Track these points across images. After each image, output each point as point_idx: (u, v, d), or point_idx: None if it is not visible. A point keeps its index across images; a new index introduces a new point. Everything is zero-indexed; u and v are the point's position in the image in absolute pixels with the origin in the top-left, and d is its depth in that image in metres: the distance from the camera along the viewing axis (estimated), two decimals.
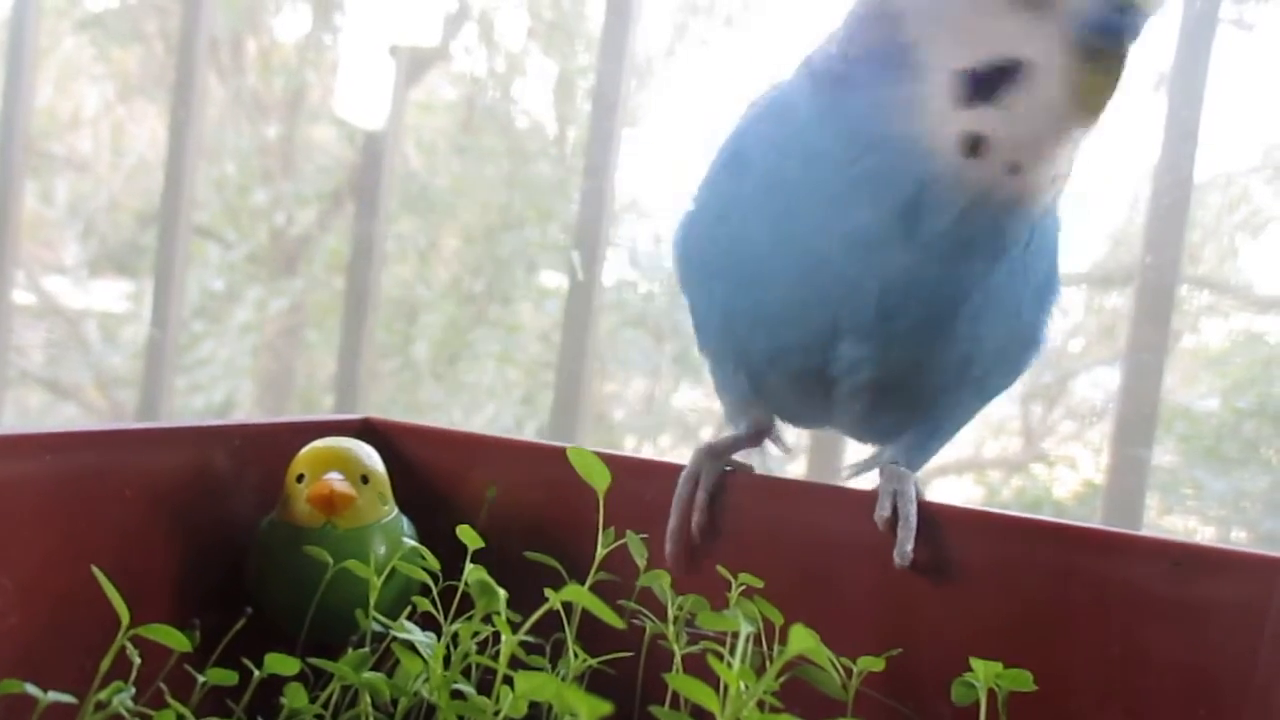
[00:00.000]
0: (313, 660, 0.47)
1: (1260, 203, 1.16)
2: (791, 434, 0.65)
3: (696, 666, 0.42)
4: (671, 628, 0.49)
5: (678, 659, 0.47)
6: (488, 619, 0.46)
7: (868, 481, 0.63)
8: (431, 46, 1.55)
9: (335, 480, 0.53)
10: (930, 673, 0.50)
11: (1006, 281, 0.51)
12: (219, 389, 1.62)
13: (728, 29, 1.54)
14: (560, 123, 1.56)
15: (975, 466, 1.38)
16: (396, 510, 0.56)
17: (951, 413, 0.57)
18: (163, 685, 0.45)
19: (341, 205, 1.59)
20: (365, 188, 1.43)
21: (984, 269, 0.50)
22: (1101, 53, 0.45)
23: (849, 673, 0.48)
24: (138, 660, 0.43)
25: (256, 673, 0.46)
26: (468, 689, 0.46)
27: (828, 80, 0.50)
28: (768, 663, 0.46)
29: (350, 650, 0.48)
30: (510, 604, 0.46)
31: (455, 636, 0.47)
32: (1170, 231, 1.01)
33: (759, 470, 0.60)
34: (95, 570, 0.42)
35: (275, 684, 0.46)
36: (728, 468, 0.57)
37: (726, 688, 0.36)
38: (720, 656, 0.45)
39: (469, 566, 0.48)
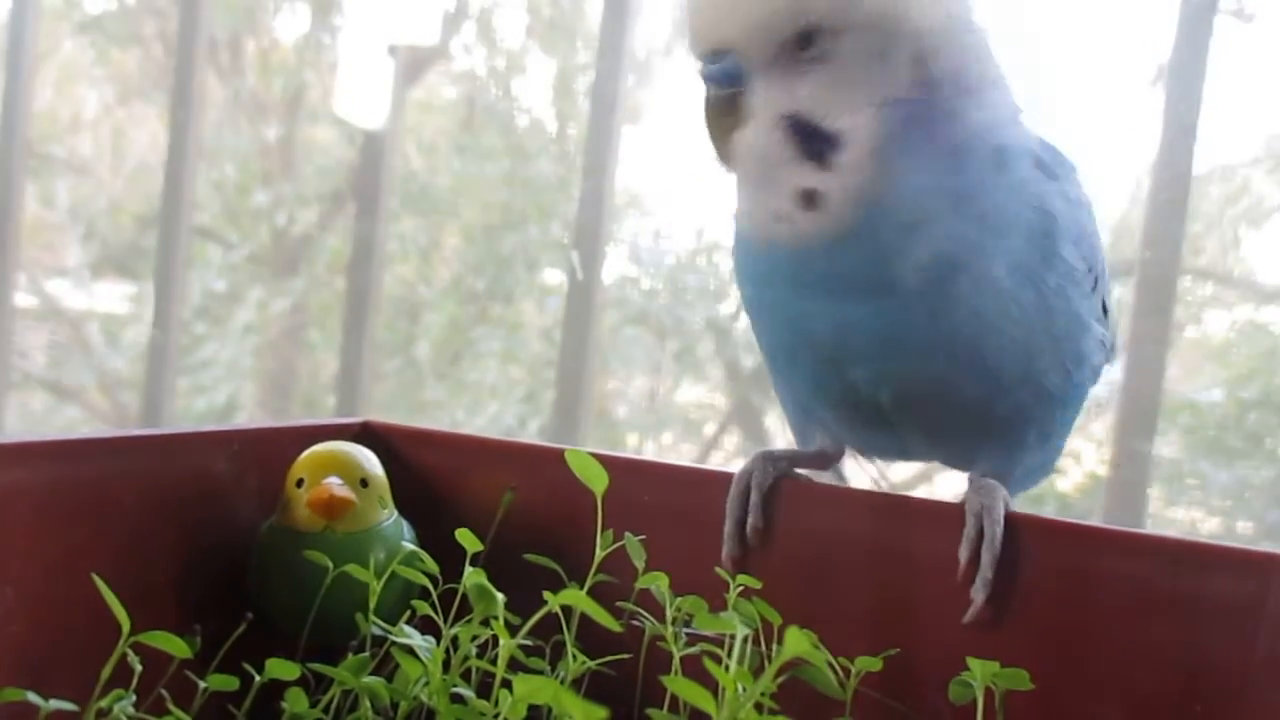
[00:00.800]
0: (313, 665, 0.48)
1: (1262, 194, 1.15)
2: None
3: (696, 668, 0.42)
4: (670, 629, 0.49)
5: (676, 661, 0.47)
6: (486, 622, 0.46)
7: (869, 481, 0.63)
8: (430, 45, 1.55)
9: (334, 485, 0.53)
10: (928, 672, 0.50)
11: (986, 285, 0.49)
12: (221, 390, 1.62)
13: None
14: (560, 120, 1.56)
15: None
16: (396, 514, 0.56)
17: (1022, 420, 0.54)
18: (164, 692, 0.45)
19: (342, 205, 1.59)
20: (366, 187, 1.43)
21: (891, 292, 0.49)
22: (707, 96, 0.50)
23: (847, 673, 0.48)
24: (139, 667, 0.43)
25: (257, 678, 0.46)
26: (467, 692, 0.46)
27: None
28: (766, 663, 0.46)
29: (350, 654, 0.48)
30: (510, 606, 0.46)
31: (455, 640, 0.47)
32: (1170, 225, 1.01)
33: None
34: (95, 578, 0.43)
35: (276, 689, 0.47)
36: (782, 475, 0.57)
37: (723, 690, 0.36)
38: (718, 659, 0.45)
39: (468, 570, 0.48)
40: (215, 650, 0.49)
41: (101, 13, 1.79)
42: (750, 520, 0.55)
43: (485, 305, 1.54)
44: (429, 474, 0.63)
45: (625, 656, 0.50)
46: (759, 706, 0.41)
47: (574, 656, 0.48)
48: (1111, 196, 1.17)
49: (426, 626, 0.49)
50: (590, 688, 0.50)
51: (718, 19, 0.49)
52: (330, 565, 0.51)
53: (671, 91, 1.47)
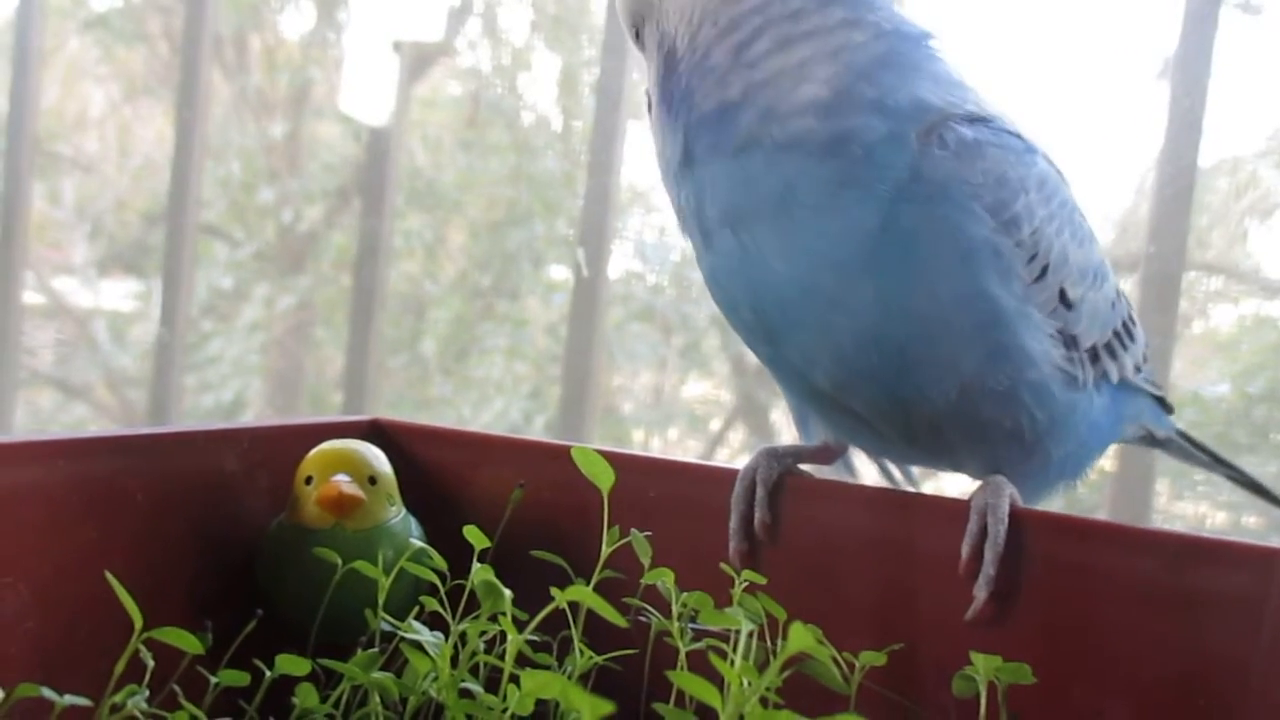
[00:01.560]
0: (323, 660, 0.48)
1: (1269, 187, 1.15)
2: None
3: (702, 663, 0.42)
4: (676, 625, 0.49)
5: (682, 656, 0.48)
6: (494, 618, 0.47)
7: (872, 478, 0.63)
8: (435, 42, 1.55)
9: (343, 482, 0.53)
10: (932, 667, 0.50)
11: (791, 252, 0.49)
12: (228, 387, 1.63)
13: None
14: (565, 116, 1.56)
15: None
16: (404, 511, 0.56)
17: (985, 422, 0.52)
18: (176, 687, 0.46)
19: (348, 202, 1.59)
20: (371, 184, 1.43)
21: (713, 247, 0.52)
22: None
23: (851, 667, 0.49)
24: (151, 663, 0.43)
25: (268, 673, 0.47)
26: (475, 688, 0.46)
27: None
28: (771, 658, 0.47)
29: (360, 650, 0.49)
30: (518, 602, 0.47)
31: (463, 636, 0.47)
32: (1174, 219, 1.01)
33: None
34: (108, 575, 0.43)
35: (286, 684, 0.47)
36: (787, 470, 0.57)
37: (729, 685, 0.36)
38: (724, 654, 0.45)
39: (475, 566, 0.48)
40: (226, 646, 0.49)
41: (107, 10, 1.79)
42: (757, 516, 0.55)
43: (491, 301, 1.54)
44: (437, 471, 0.63)
45: (632, 652, 0.51)
46: (764, 701, 0.41)
47: (581, 652, 0.48)
48: (1117, 190, 1.16)
49: (435, 622, 0.49)
50: (597, 683, 0.50)
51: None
52: (339, 562, 0.51)
53: None
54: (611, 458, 0.51)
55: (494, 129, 1.56)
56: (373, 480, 0.55)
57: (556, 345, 1.44)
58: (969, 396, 0.51)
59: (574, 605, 0.47)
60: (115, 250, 1.78)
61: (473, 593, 0.48)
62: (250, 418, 1.63)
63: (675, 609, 0.49)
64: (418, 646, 0.46)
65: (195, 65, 1.46)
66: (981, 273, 0.49)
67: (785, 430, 1.35)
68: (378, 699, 0.47)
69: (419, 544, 0.53)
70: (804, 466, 0.58)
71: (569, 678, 0.47)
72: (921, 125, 0.49)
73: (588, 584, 0.46)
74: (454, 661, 0.46)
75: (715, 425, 1.49)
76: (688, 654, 0.48)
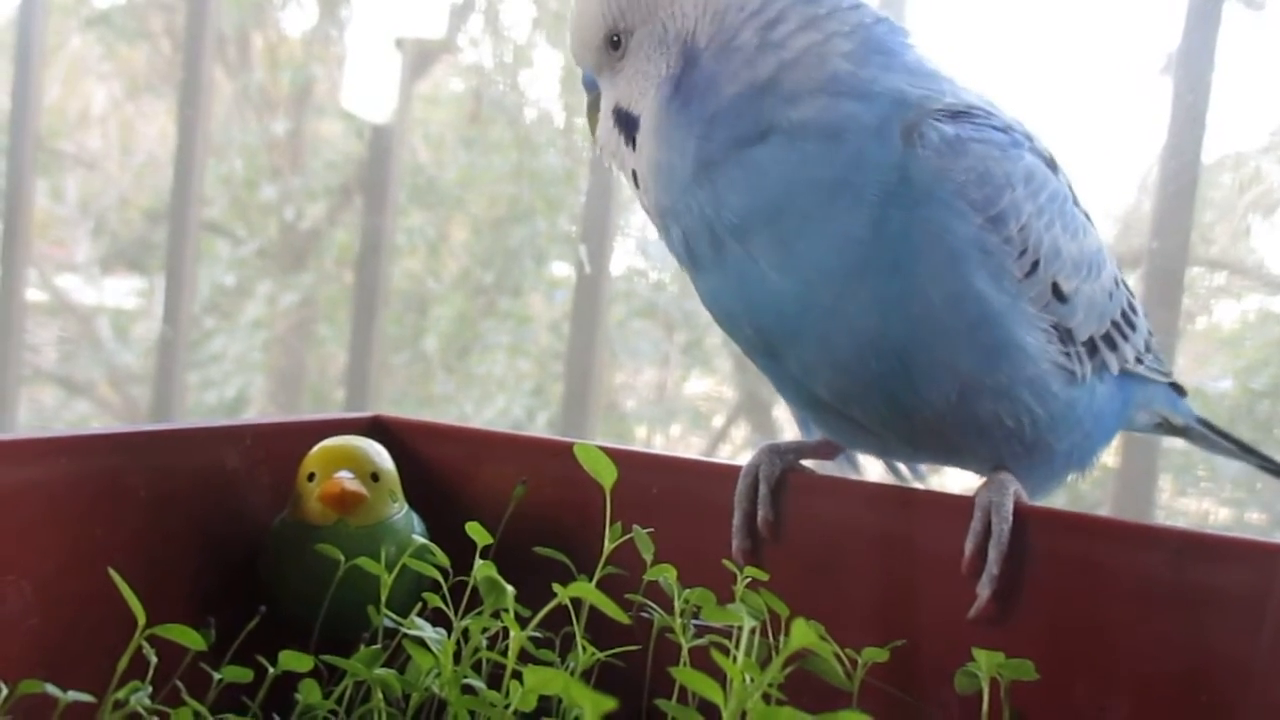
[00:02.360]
0: (326, 657, 0.48)
1: (1272, 182, 1.15)
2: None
3: (704, 659, 0.42)
4: (678, 621, 0.49)
5: (684, 652, 0.48)
6: (497, 615, 0.47)
7: (876, 473, 0.63)
8: (437, 39, 1.55)
9: (346, 478, 0.53)
10: (935, 663, 0.50)
11: (805, 254, 0.49)
12: (231, 384, 1.63)
13: None
14: (567, 113, 1.55)
15: None
16: (407, 507, 0.56)
17: (984, 420, 0.52)
18: (179, 683, 0.46)
19: (350, 199, 1.60)
20: (373, 181, 1.43)
21: (725, 264, 0.51)
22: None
23: (854, 664, 0.49)
24: (154, 659, 0.43)
25: (271, 670, 0.47)
26: (478, 684, 0.46)
27: None
28: (774, 655, 0.47)
29: (362, 647, 0.49)
30: (521, 598, 0.47)
31: (465, 632, 0.48)
32: (1178, 215, 1.01)
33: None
34: (111, 571, 0.43)
35: (289, 681, 0.47)
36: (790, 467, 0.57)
37: (731, 681, 0.36)
38: (726, 650, 0.45)
39: (478, 563, 0.48)
40: (229, 643, 0.49)
41: (109, 8, 1.80)
42: (760, 513, 0.55)
43: (493, 298, 1.54)
44: (439, 467, 0.63)
45: (634, 648, 0.51)
46: (766, 697, 0.41)
47: (583, 648, 0.48)
48: (1120, 186, 1.16)
49: (437, 619, 0.49)
50: (600, 679, 0.50)
51: (573, 40, 0.56)
52: (342, 558, 0.51)
53: None
54: (614, 454, 0.51)
55: (496, 126, 1.56)
56: (375, 477, 0.55)
57: (559, 342, 1.44)
58: (968, 397, 0.51)
59: (576, 602, 0.47)
60: (118, 247, 1.78)
61: (475, 589, 0.48)
62: (253, 415, 1.63)
63: (678, 605, 0.50)
64: (420, 643, 0.46)
65: (197, 62, 1.46)
66: (972, 272, 0.49)
67: (788, 426, 1.35)
68: (380, 695, 0.47)
69: (421, 540, 0.53)
70: (807, 462, 0.58)
71: (571, 674, 0.47)
72: (903, 121, 0.49)
73: (590, 580, 0.46)
74: (456, 658, 0.47)
75: (718, 422, 1.49)
76: (690, 650, 0.48)
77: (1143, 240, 1.07)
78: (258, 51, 1.69)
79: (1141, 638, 0.47)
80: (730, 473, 0.57)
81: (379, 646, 0.49)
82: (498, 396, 1.52)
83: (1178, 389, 0.67)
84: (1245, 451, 0.71)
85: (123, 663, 0.42)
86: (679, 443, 1.50)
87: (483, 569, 0.48)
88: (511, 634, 0.44)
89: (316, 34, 1.67)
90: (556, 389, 1.40)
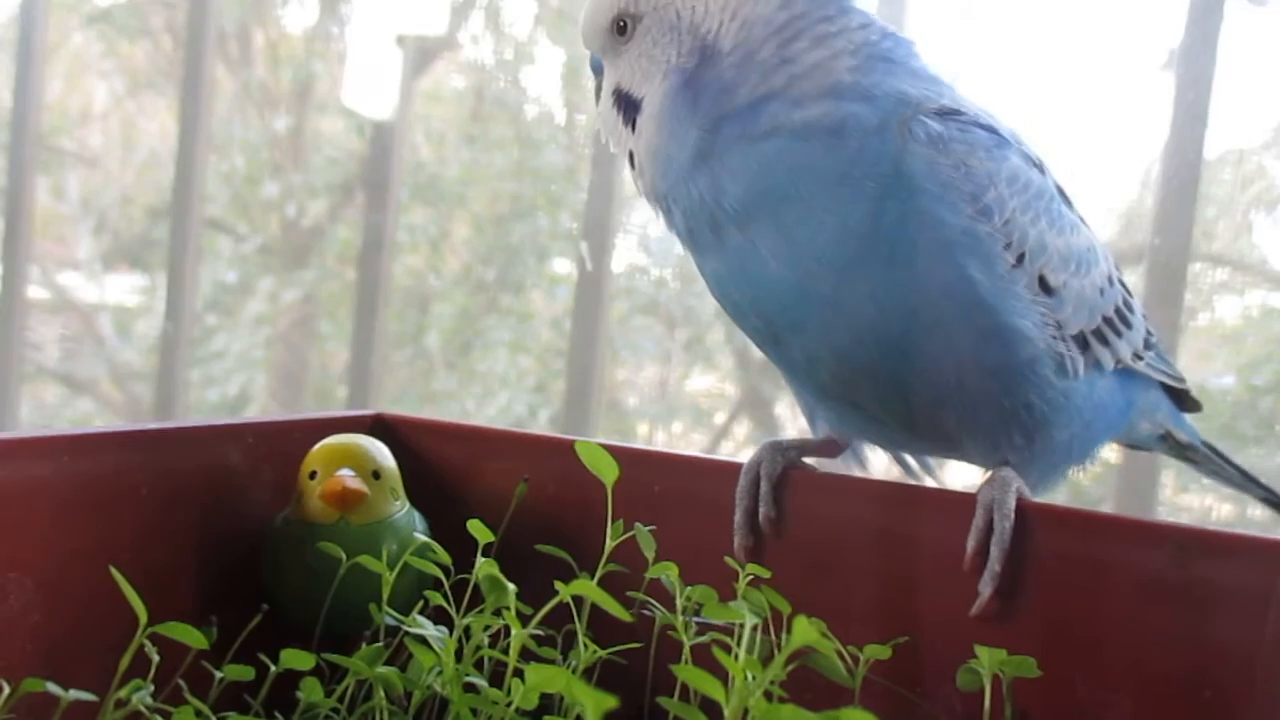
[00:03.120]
0: (328, 655, 0.48)
1: (1274, 178, 1.15)
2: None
3: (706, 657, 0.42)
4: (680, 618, 0.49)
5: (686, 650, 0.48)
6: (498, 612, 0.47)
7: (879, 470, 0.63)
8: (438, 35, 1.54)
9: (347, 477, 0.53)
10: (937, 660, 0.50)
11: (804, 245, 0.50)
12: (233, 381, 1.63)
13: None
14: (569, 110, 1.55)
15: None
16: (408, 505, 0.56)
17: (979, 408, 0.53)
18: (181, 682, 0.46)
19: (351, 196, 1.59)
20: (375, 178, 1.43)
21: (725, 249, 0.53)
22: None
23: (856, 661, 0.49)
24: (156, 658, 0.44)
25: (273, 668, 0.47)
26: (480, 681, 0.46)
27: None
28: (776, 652, 0.47)
29: (364, 645, 0.49)
30: (523, 596, 0.47)
31: (467, 630, 0.48)
32: (1179, 211, 1.01)
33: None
34: (113, 570, 0.43)
35: (291, 679, 0.47)
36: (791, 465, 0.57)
37: (733, 678, 0.36)
38: (729, 648, 0.45)
39: (480, 561, 0.48)
40: (231, 641, 0.49)
41: (110, 5, 1.80)
42: (762, 510, 0.55)
43: (495, 295, 1.54)
44: (441, 465, 0.63)
45: (636, 646, 0.51)
46: (768, 695, 0.41)
47: (585, 646, 0.48)
48: (1122, 182, 1.16)
49: (439, 617, 0.49)
50: (601, 676, 0.50)
51: (585, 21, 0.58)
52: (344, 557, 0.51)
53: None
54: (615, 452, 0.51)
55: (497, 123, 1.56)
56: (377, 475, 0.55)
57: (560, 339, 1.44)
58: (966, 381, 0.52)
59: (578, 599, 0.47)
60: (120, 245, 1.78)
61: (477, 587, 0.48)
62: (255, 412, 1.63)
63: (679, 603, 0.50)
64: (422, 641, 0.46)
65: (199, 60, 1.46)
66: (964, 259, 0.50)
67: (790, 423, 1.35)
68: (382, 693, 0.47)
69: (423, 538, 0.53)
70: (809, 460, 0.58)
71: (573, 672, 0.47)
72: (899, 118, 0.51)
73: (592, 578, 0.46)
74: (458, 656, 0.47)
75: (720, 418, 1.49)
76: (692, 648, 0.48)
77: (1145, 236, 1.07)
78: (259, 48, 1.69)
79: (1143, 634, 0.47)
80: (732, 470, 0.57)
81: (381, 644, 0.49)
82: (499, 393, 1.52)
83: (1190, 402, 0.67)
84: (1249, 482, 0.71)
85: (125, 661, 0.42)
86: (681, 439, 1.50)
87: (484, 567, 0.48)
88: (513, 632, 0.44)
89: (317, 31, 1.67)
90: (558, 386, 1.40)
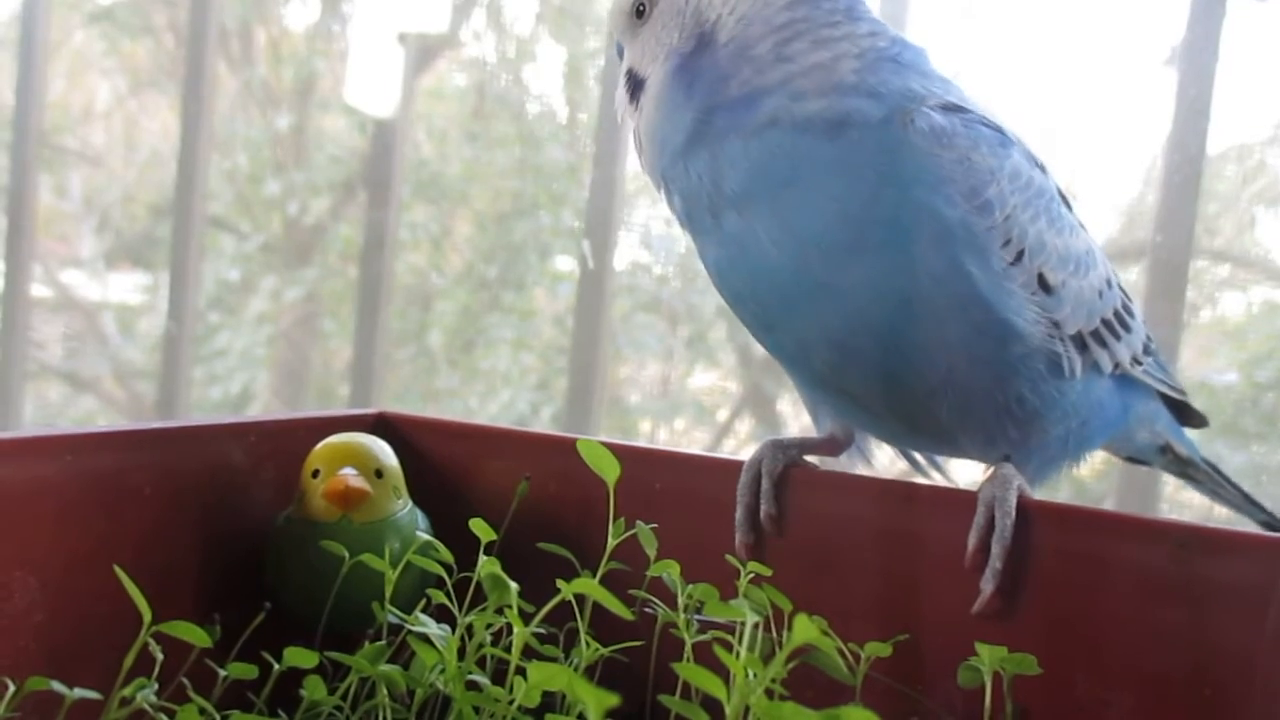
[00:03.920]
0: (331, 653, 0.48)
1: (1276, 174, 1.14)
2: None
3: (708, 655, 0.42)
4: (682, 616, 0.49)
5: (688, 648, 0.48)
6: (501, 611, 0.47)
7: (882, 468, 0.63)
8: (440, 33, 1.54)
9: (350, 475, 0.53)
10: (938, 657, 0.51)
11: (795, 231, 0.51)
12: (236, 379, 1.63)
13: None
14: (571, 107, 1.55)
15: None
16: (411, 504, 0.56)
17: (975, 402, 0.53)
18: (185, 680, 0.46)
19: (354, 194, 1.60)
20: (377, 176, 1.43)
21: (722, 231, 0.53)
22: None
23: (857, 658, 0.49)
24: (160, 656, 0.44)
25: (276, 666, 0.47)
26: (482, 679, 0.46)
27: None
28: (777, 650, 0.47)
29: (367, 643, 0.49)
30: (525, 594, 0.47)
31: (469, 628, 0.48)
32: (1182, 207, 1.01)
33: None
34: (117, 569, 0.43)
35: (295, 677, 0.47)
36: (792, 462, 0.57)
37: (734, 676, 0.36)
38: (730, 646, 0.45)
39: (482, 559, 0.48)
40: (234, 639, 0.50)
41: (112, 3, 1.80)
42: (763, 508, 0.55)
43: (497, 293, 1.54)
44: (443, 464, 0.63)
45: (637, 644, 0.51)
46: (769, 692, 0.41)
47: (587, 644, 0.48)
48: (1124, 178, 1.16)
49: (442, 615, 0.49)
50: (603, 674, 0.51)
51: (611, 7, 0.59)
52: (346, 555, 0.52)
53: None
54: (617, 450, 0.51)
55: (499, 120, 1.56)
56: (379, 473, 0.55)
57: (563, 336, 1.44)
58: (957, 374, 0.52)
59: (580, 597, 0.47)
60: (122, 243, 1.78)
61: (479, 585, 0.48)
62: (257, 409, 1.64)
63: (681, 601, 0.50)
64: (425, 639, 0.47)
65: (201, 58, 1.46)
66: (959, 251, 0.50)
67: (793, 420, 1.35)
68: (385, 691, 0.47)
69: (425, 537, 0.53)
70: (810, 458, 0.58)
71: (575, 670, 0.47)
72: (903, 110, 0.51)
73: (594, 576, 0.46)
74: (461, 654, 0.47)
75: (722, 416, 1.49)
76: (693, 646, 0.48)
77: (1147, 232, 1.07)
78: (261, 46, 1.69)
79: (1144, 632, 0.47)
80: (733, 468, 0.57)
81: (384, 643, 0.49)
82: (502, 391, 1.52)
83: (1195, 417, 0.67)
84: (1249, 504, 0.71)
85: (129, 659, 0.42)
86: (683, 437, 1.50)
87: (486, 565, 0.48)
88: (515, 630, 0.44)
89: (319, 29, 1.67)
90: (561, 383, 1.40)
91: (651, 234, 1.45)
